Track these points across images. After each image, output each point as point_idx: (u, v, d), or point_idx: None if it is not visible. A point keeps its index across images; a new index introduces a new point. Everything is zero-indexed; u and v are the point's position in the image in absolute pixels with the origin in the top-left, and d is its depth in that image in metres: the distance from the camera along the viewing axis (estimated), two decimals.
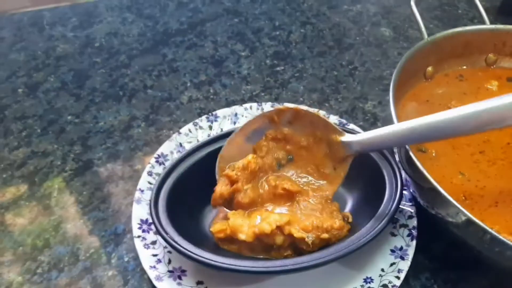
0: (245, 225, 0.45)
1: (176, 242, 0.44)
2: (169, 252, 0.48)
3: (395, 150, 0.51)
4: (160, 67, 0.73)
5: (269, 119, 0.49)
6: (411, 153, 0.45)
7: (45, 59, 0.74)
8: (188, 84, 0.70)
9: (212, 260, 0.43)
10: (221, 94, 0.69)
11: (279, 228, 0.45)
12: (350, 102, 0.68)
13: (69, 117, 0.65)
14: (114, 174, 0.58)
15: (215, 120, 0.60)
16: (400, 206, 0.48)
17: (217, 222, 0.48)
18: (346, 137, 0.48)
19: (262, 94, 0.69)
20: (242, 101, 0.68)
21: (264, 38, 0.78)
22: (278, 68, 0.73)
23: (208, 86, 0.70)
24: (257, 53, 0.76)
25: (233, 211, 0.48)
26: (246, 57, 0.75)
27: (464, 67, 0.63)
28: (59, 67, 0.72)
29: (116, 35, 0.78)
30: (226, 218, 0.48)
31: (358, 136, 0.47)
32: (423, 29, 0.58)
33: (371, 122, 0.65)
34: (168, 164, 0.50)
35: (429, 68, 0.60)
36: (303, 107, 0.50)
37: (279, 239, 0.45)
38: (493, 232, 0.40)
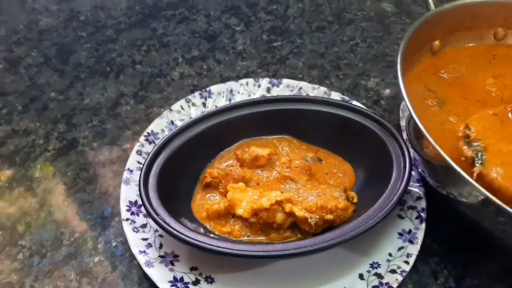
0: (244, 200, 0.42)
1: (168, 224, 0.41)
2: (161, 236, 0.45)
3: (403, 126, 0.48)
4: (150, 42, 0.69)
5: None
6: (421, 127, 0.42)
7: (27, 33, 0.69)
8: (180, 60, 0.66)
9: (209, 244, 0.40)
10: (215, 70, 0.65)
11: (279, 203, 0.42)
12: (352, 79, 0.64)
13: (52, 94, 0.61)
14: (100, 154, 0.55)
15: (209, 97, 0.57)
16: (408, 187, 0.45)
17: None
18: None
19: (259, 70, 0.65)
20: (237, 78, 0.64)
21: (260, 12, 0.74)
22: (275, 44, 0.69)
23: (201, 62, 0.66)
24: (253, 28, 0.72)
25: (232, 184, 0.45)
26: (241, 32, 0.71)
27: (472, 44, 0.60)
28: (41, 42, 0.68)
29: (102, 8, 0.74)
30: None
31: None
32: None
33: (374, 100, 0.62)
34: (159, 141, 0.47)
35: (436, 42, 0.57)
36: None
37: (279, 217, 0.42)
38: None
